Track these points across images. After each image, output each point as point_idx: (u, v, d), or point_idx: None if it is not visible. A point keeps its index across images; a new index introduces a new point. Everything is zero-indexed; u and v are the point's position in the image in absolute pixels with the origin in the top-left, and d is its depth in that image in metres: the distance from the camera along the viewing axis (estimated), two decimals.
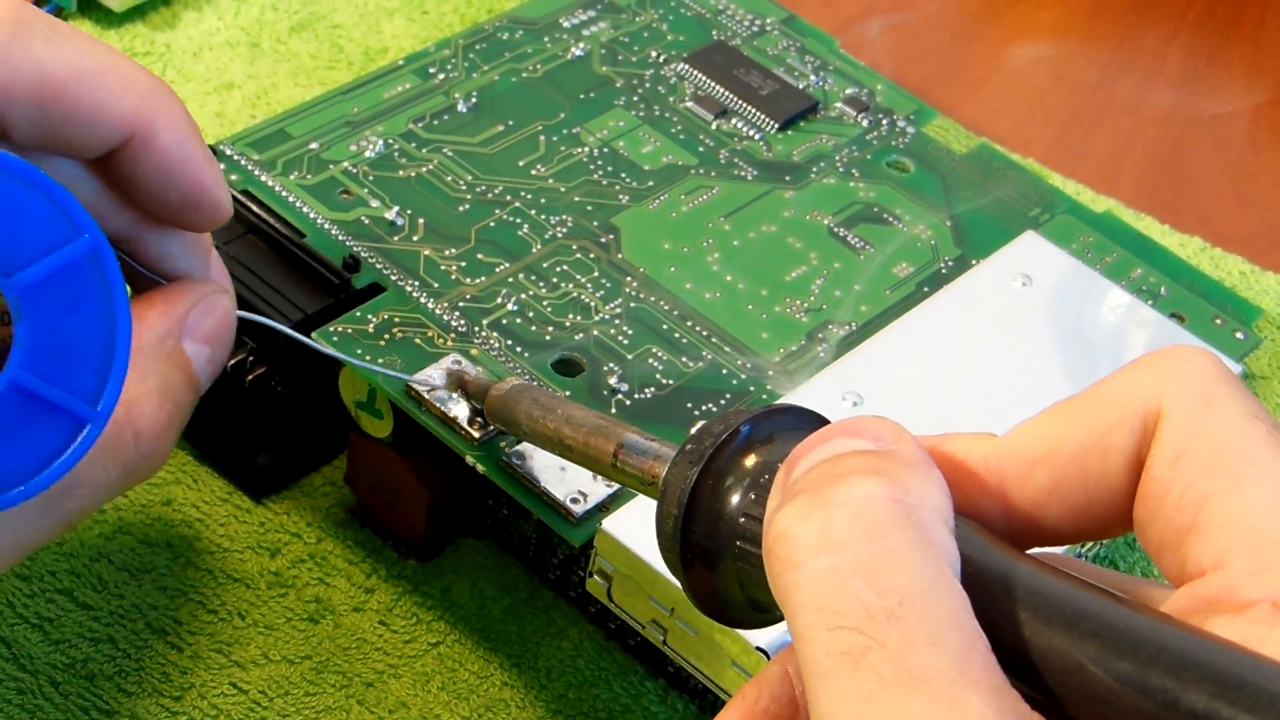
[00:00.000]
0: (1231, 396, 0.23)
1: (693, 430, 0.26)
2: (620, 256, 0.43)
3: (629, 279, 0.42)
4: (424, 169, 0.44)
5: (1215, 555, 0.21)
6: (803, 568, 0.21)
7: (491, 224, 0.43)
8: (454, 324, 0.40)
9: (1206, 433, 0.22)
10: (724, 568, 0.25)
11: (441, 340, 0.39)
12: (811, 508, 0.22)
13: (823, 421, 0.25)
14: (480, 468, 0.37)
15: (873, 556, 0.21)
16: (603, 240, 0.43)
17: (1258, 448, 0.22)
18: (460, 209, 0.43)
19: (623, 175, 0.45)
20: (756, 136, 0.47)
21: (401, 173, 0.43)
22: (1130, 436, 0.23)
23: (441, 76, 0.47)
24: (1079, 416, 0.24)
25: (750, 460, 0.25)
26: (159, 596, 0.39)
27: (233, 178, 0.42)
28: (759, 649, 0.33)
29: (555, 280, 0.42)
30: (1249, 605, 0.21)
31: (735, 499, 0.25)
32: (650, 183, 0.45)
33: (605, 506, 0.36)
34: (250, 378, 0.42)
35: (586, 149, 0.46)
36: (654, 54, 0.49)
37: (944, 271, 0.44)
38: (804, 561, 0.21)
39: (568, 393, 0.38)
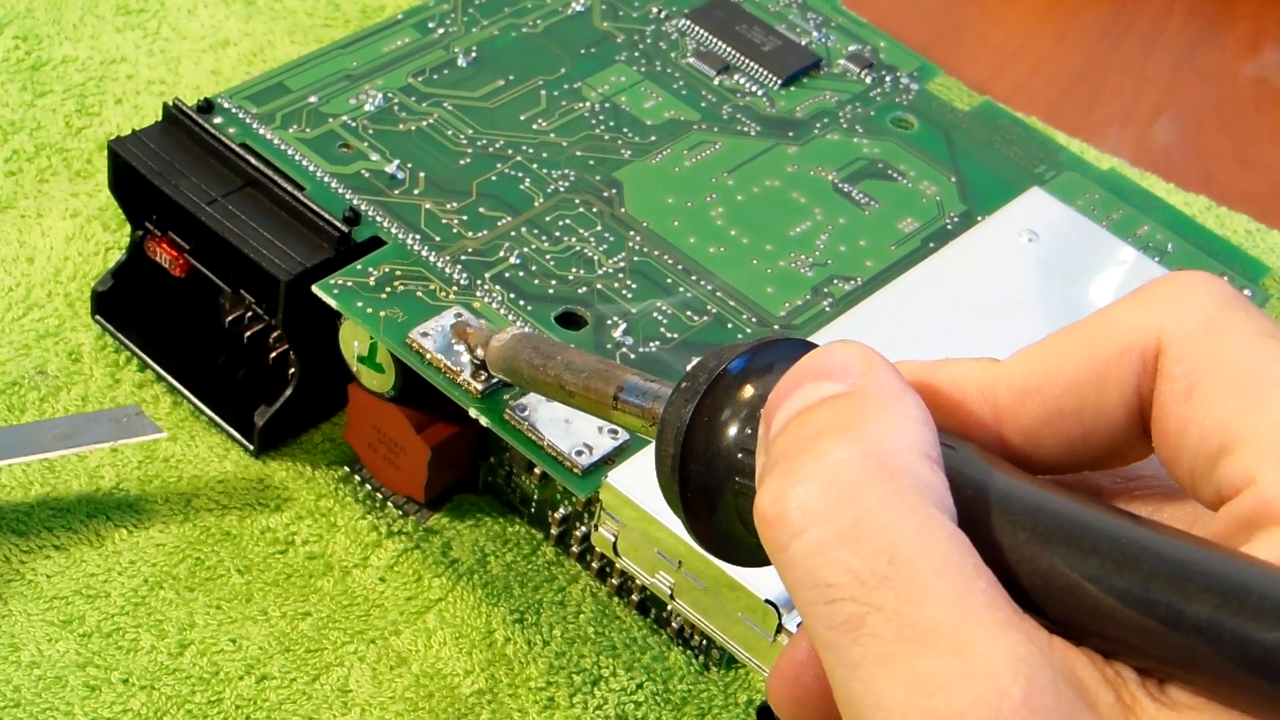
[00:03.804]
0: (1236, 319, 0.22)
1: (689, 366, 0.25)
2: (623, 211, 0.42)
3: (632, 233, 0.42)
4: (424, 123, 0.43)
5: (1245, 473, 0.21)
6: (789, 549, 0.21)
7: (493, 178, 0.42)
8: (456, 277, 0.39)
9: (1216, 359, 0.22)
10: (725, 504, 0.24)
11: (444, 293, 0.39)
12: (786, 485, 0.21)
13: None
14: (484, 420, 0.36)
15: (853, 523, 0.20)
16: (605, 194, 0.42)
17: (1271, 363, 0.21)
18: (461, 162, 0.42)
19: (625, 130, 0.44)
20: (759, 93, 0.47)
21: (401, 126, 0.43)
22: (1128, 370, 0.22)
23: (441, 31, 0.46)
24: (1076, 347, 0.23)
25: (746, 393, 0.24)
26: (156, 553, 0.38)
27: (231, 131, 0.41)
28: (768, 601, 0.33)
29: (558, 234, 0.41)
30: None
31: (732, 433, 0.24)
32: (652, 138, 0.44)
33: (611, 459, 0.36)
34: (249, 333, 0.41)
35: (588, 104, 0.45)
36: (655, 10, 0.49)
37: (949, 227, 0.44)
38: (789, 542, 0.21)
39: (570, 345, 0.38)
